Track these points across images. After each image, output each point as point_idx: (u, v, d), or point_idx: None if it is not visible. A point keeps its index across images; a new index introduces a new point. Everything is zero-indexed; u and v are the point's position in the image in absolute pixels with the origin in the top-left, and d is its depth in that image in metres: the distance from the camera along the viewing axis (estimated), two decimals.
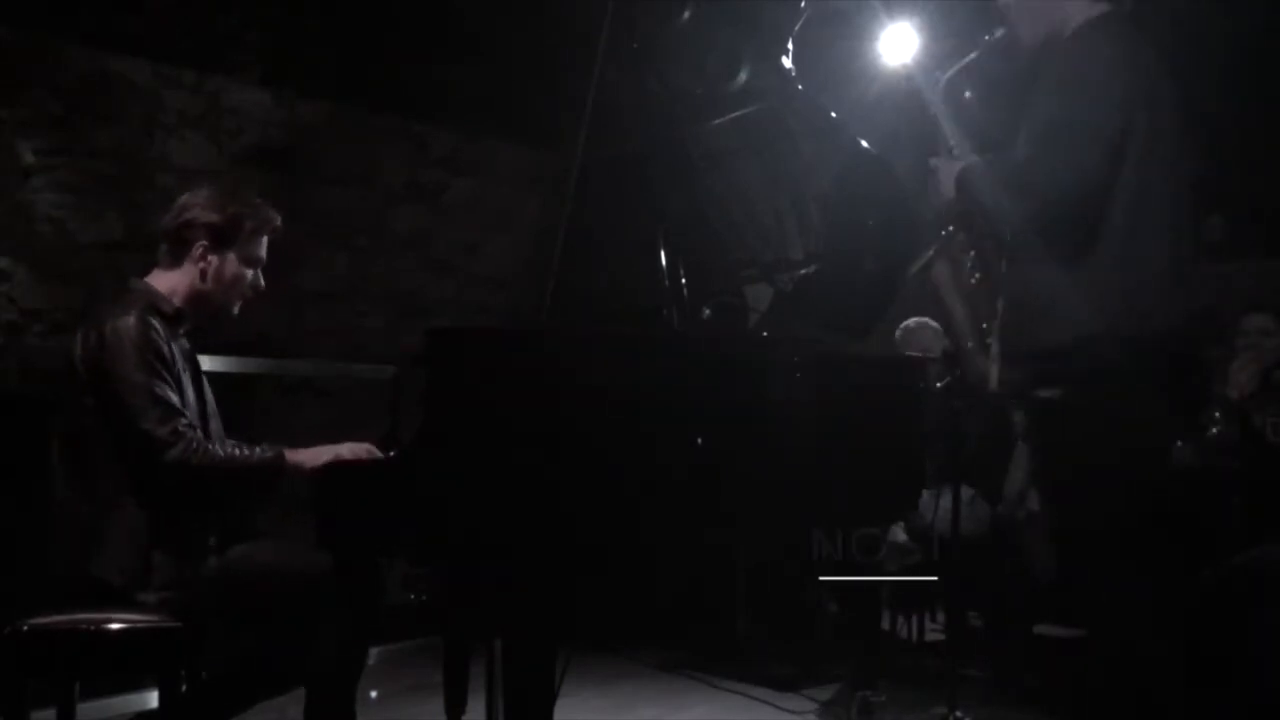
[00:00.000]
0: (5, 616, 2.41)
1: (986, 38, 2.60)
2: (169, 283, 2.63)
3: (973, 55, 2.63)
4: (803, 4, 2.95)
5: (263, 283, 2.72)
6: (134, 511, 2.45)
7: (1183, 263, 2.41)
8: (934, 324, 4.47)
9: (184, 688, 2.53)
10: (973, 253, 2.67)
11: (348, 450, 2.54)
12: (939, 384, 4.22)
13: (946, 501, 3.56)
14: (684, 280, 2.63)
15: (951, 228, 2.69)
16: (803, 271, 2.93)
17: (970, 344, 2.66)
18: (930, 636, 4.54)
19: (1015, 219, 2.39)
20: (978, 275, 2.68)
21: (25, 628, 2.39)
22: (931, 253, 2.69)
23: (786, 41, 2.91)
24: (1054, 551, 4.50)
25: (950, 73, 2.64)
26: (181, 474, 2.42)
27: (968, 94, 2.76)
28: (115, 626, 2.39)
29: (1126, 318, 2.33)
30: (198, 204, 2.63)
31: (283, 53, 4.68)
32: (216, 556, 2.54)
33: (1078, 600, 2.65)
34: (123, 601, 2.43)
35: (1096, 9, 2.46)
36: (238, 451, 2.50)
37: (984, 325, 2.62)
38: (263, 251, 2.70)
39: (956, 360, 3.79)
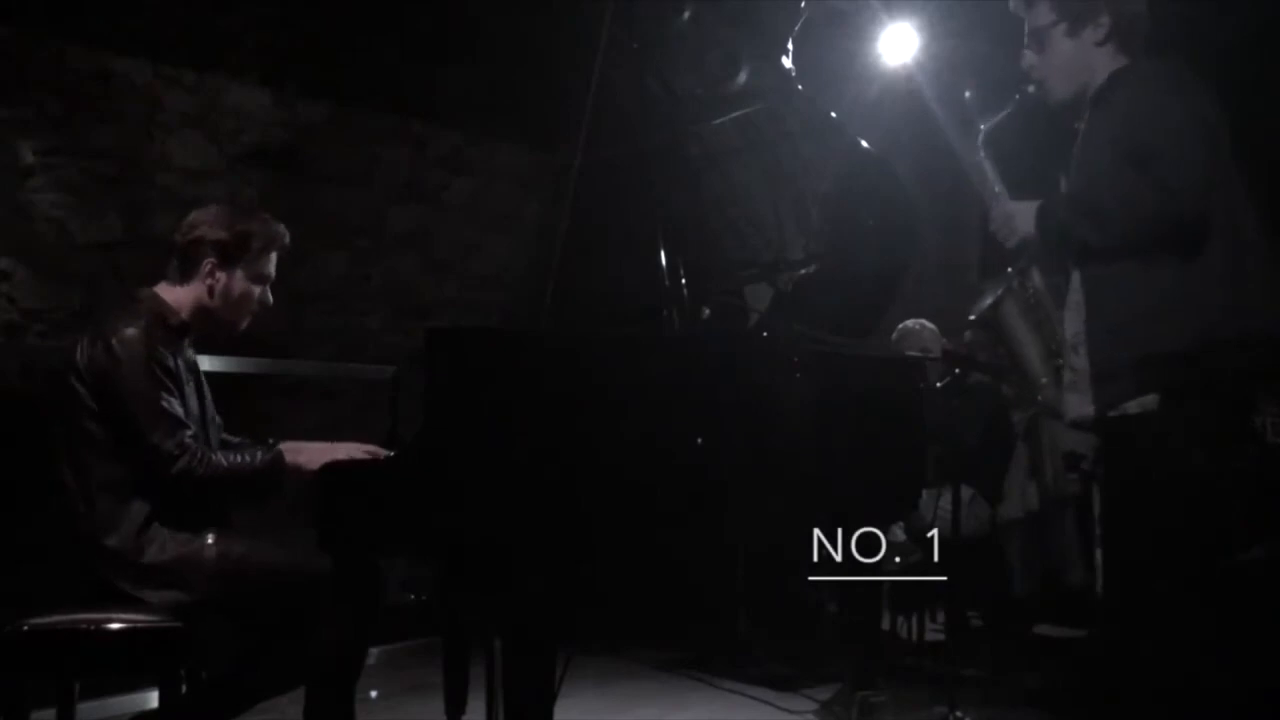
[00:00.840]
0: (5, 616, 2.41)
1: (1017, 96, 2.70)
2: (176, 297, 2.64)
3: (1008, 110, 2.73)
4: (803, 4, 2.95)
5: (271, 299, 2.73)
6: (131, 505, 2.47)
7: (1267, 268, 2.48)
8: (931, 325, 4.47)
9: (184, 688, 2.54)
10: (1034, 289, 2.74)
11: (345, 451, 2.55)
12: (939, 384, 4.22)
13: (946, 501, 3.56)
14: (684, 280, 2.63)
15: (1011, 269, 2.76)
16: (803, 271, 2.94)
17: (1045, 380, 2.72)
18: (930, 636, 4.53)
19: (1110, 243, 2.44)
20: (1044, 311, 2.75)
21: (25, 628, 2.39)
22: (1001, 292, 2.76)
23: (786, 41, 2.91)
24: (1043, 556, 4.55)
25: (990, 126, 2.74)
26: (187, 485, 2.46)
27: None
28: (115, 626, 2.40)
29: (1237, 318, 2.39)
30: (206, 221, 2.64)
31: (283, 53, 4.68)
32: (215, 533, 2.55)
33: (1113, 610, 2.69)
34: (124, 600, 2.43)
35: (1120, 60, 2.56)
36: (240, 459, 2.53)
37: (1058, 361, 2.68)
38: (271, 269, 2.72)
39: (956, 361, 3.80)
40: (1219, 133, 2.46)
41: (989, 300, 2.80)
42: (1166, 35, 2.63)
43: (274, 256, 2.72)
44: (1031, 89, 2.67)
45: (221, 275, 2.64)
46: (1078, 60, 2.59)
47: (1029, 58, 2.65)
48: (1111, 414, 2.49)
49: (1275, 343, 2.43)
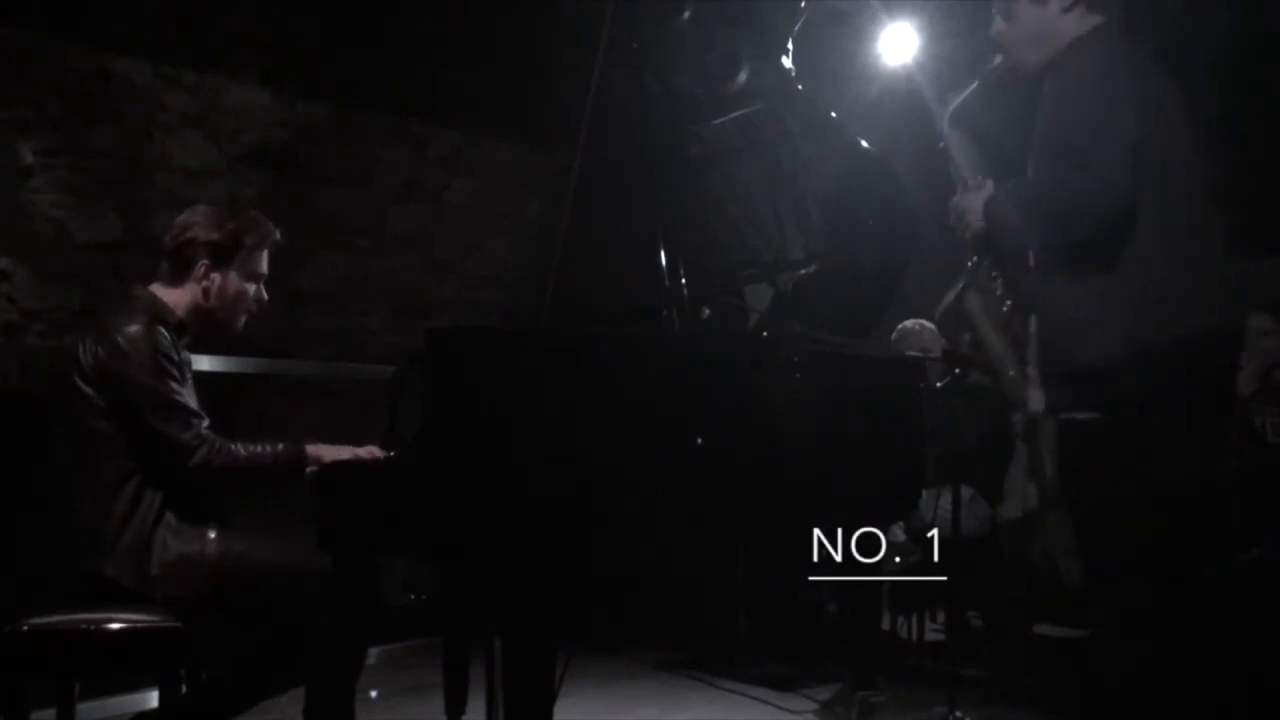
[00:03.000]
0: (5, 616, 2.42)
1: (987, 67, 2.60)
2: (172, 298, 2.66)
3: (974, 85, 2.64)
4: (803, 4, 2.95)
5: (266, 296, 2.75)
6: (135, 503, 2.47)
7: (1209, 267, 2.39)
8: (931, 325, 4.47)
9: (184, 688, 2.54)
10: (1000, 280, 2.67)
11: (367, 453, 2.57)
12: (939, 384, 4.22)
13: (946, 501, 3.56)
14: (684, 280, 2.62)
15: (976, 258, 2.69)
16: (803, 271, 2.93)
17: (1011, 372, 2.68)
18: (930, 636, 4.53)
19: (1043, 240, 2.38)
20: (1008, 303, 2.68)
21: (25, 628, 2.39)
22: (962, 285, 2.71)
23: (786, 41, 2.91)
24: (1043, 557, 4.54)
25: (955, 103, 2.65)
26: (206, 475, 2.49)
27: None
28: (115, 626, 2.40)
29: (1152, 331, 2.31)
30: (197, 223, 2.66)
31: (283, 53, 4.68)
32: (217, 531, 2.55)
33: (1098, 610, 2.65)
34: (125, 600, 2.43)
35: (1089, 23, 2.46)
36: (259, 449, 2.55)
37: (1023, 351, 2.62)
38: (264, 267, 2.74)
39: (956, 361, 3.80)
40: (1160, 116, 2.34)
41: (951, 295, 2.75)
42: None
43: (266, 254, 2.74)
44: (999, 59, 2.58)
45: (216, 276, 2.66)
46: (1045, 28, 2.48)
47: (997, 24, 2.56)
48: (1062, 417, 2.45)
49: (1199, 351, 2.32)
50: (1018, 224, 2.44)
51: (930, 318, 4.51)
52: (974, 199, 2.54)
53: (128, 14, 4.23)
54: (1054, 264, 2.39)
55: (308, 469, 2.54)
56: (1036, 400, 2.51)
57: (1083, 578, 4.40)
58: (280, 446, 2.58)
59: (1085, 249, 2.33)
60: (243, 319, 2.74)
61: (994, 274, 2.69)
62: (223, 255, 2.66)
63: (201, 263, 2.64)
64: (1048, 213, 2.36)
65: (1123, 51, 2.40)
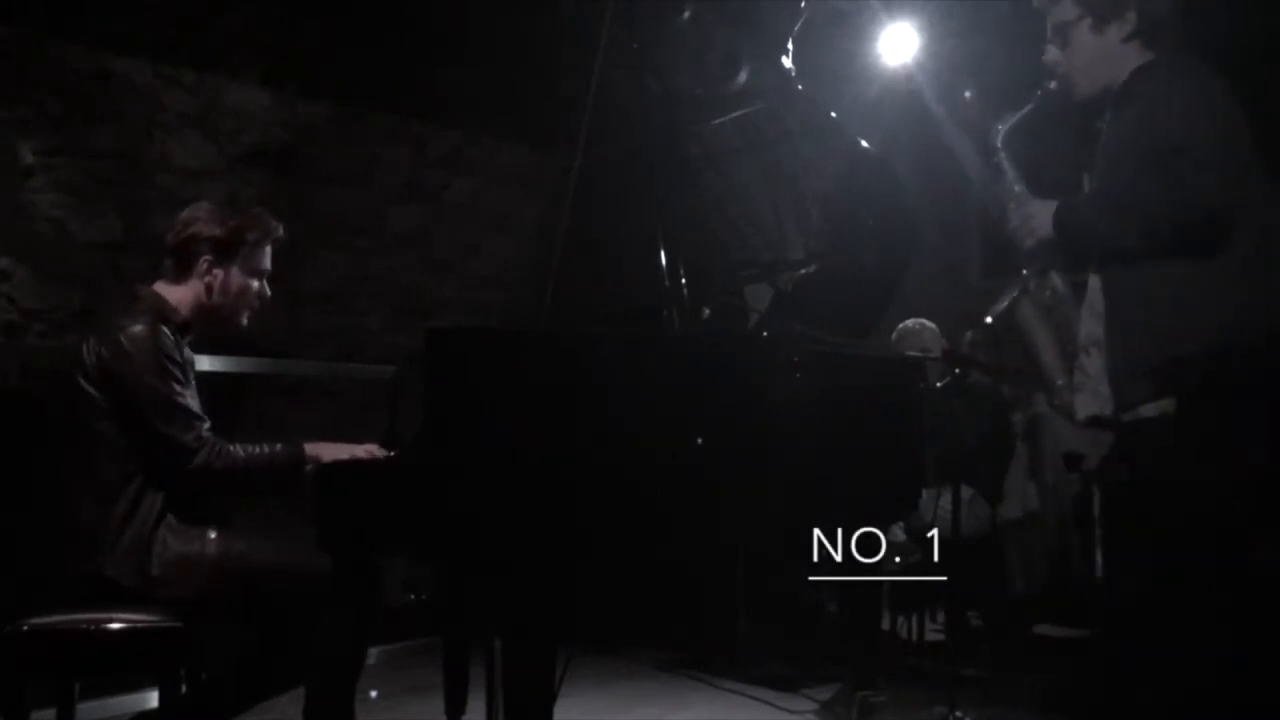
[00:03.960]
0: (5, 616, 2.42)
1: (1039, 93, 2.67)
2: (176, 296, 2.65)
3: (1029, 107, 2.70)
4: (803, 4, 2.95)
5: (269, 292, 2.74)
6: (136, 503, 2.47)
7: None
8: (931, 325, 4.47)
9: (184, 688, 2.54)
10: (1051, 291, 2.73)
11: (366, 452, 2.57)
12: (939, 384, 4.22)
13: (946, 501, 3.56)
14: (684, 280, 2.62)
15: (1027, 270, 2.75)
16: (803, 271, 2.93)
17: (1060, 383, 2.71)
18: (930, 636, 4.53)
19: (1142, 242, 2.42)
20: (1062, 313, 2.73)
21: (25, 628, 2.39)
22: (1016, 294, 2.75)
23: (786, 41, 2.91)
24: (1043, 557, 4.54)
25: (1009, 125, 2.72)
26: (206, 477, 2.48)
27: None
28: (115, 626, 2.40)
29: (1259, 319, 2.36)
30: (199, 219, 2.65)
31: (283, 53, 4.68)
32: (217, 531, 2.55)
33: (1131, 607, 2.67)
34: (125, 600, 2.43)
35: (1144, 58, 2.53)
36: (257, 450, 2.55)
37: (1072, 362, 2.66)
38: (267, 262, 2.73)
39: (956, 361, 3.80)
40: (1240, 128, 2.43)
41: (1004, 302, 2.79)
42: (1191, 31, 2.60)
43: (269, 250, 2.73)
44: (1053, 85, 2.64)
45: (219, 272, 2.65)
46: (1103, 57, 2.55)
47: (1052, 53, 2.61)
48: (1126, 417, 2.47)
49: None
50: (1101, 229, 2.48)
51: (931, 318, 4.52)
52: (1040, 208, 2.58)
53: (128, 14, 4.23)
54: (1145, 257, 2.42)
55: (307, 468, 2.54)
56: (1085, 405, 2.53)
57: (1085, 577, 4.42)
58: (279, 447, 2.58)
59: (1183, 244, 2.37)
60: (246, 315, 2.73)
61: (1046, 286, 2.74)
62: (225, 251, 2.65)
63: (204, 259, 2.63)
64: (1145, 219, 2.40)
65: (1196, 70, 2.49)
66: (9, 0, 3.94)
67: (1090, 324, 2.56)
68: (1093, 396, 2.52)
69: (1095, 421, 2.56)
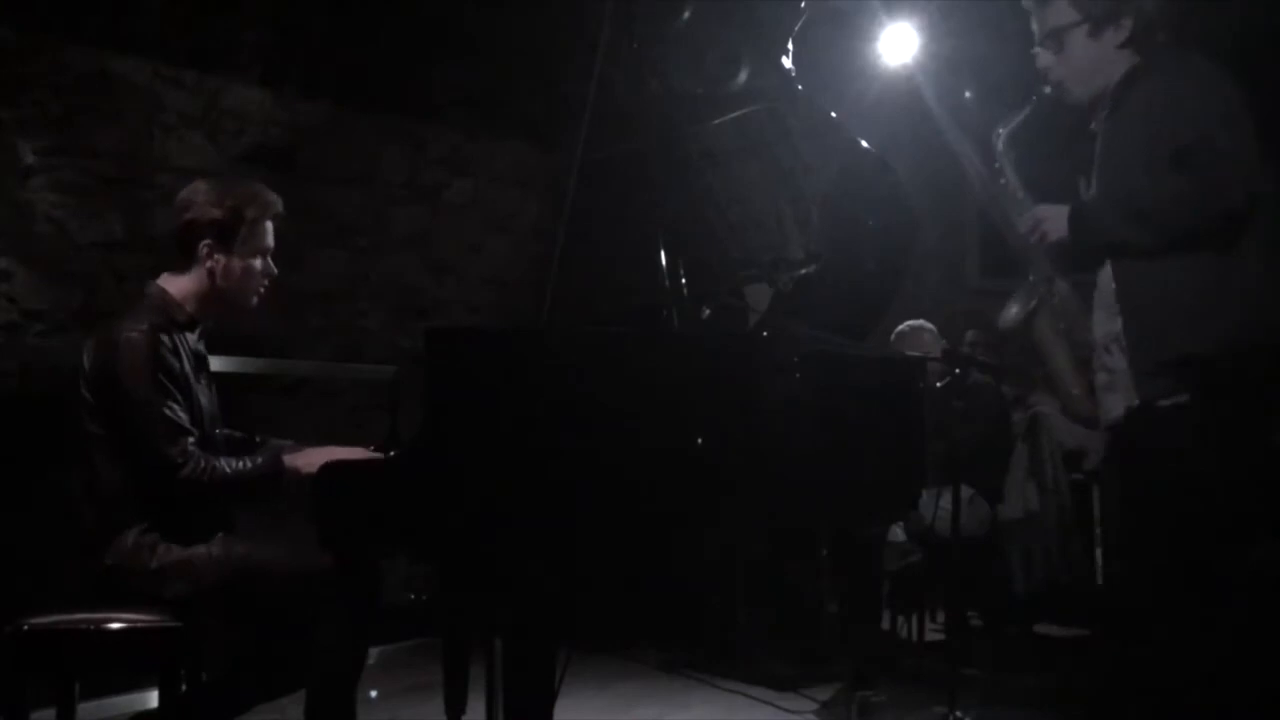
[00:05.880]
0: (5, 616, 2.41)
1: (1034, 97, 2.69)
2: (181, 287, 2.61)
3: (1026, 111, 2.72)
4: (803, 4, 2.95)
5: (275, 269, 2.69)
6: (136, 504, 2.47)
7: None
8: (930, 326, 4.47)
9: (184, 688, 2.54)
10: (1060, 295, 2.73)
11: (345, 453, 2.54)
12: (939, 384, 4.22)
13: (946, 501, 3.57)
14: (684, 280, 2.63)
15: (1033, 277, 2.75)
16: (803, 271, 2.93)
17: (1076, 391, 2.70)
18: (930, 636, 4.54)
19: (1161, 238, 2.42)
20: (1072, 317, 2.73)
21: (25, 628, 2.39)
22: (1034, 305, 2.75)
23: (786, 41, 2.91)
24: (1043, 556, 4.54)
25: (1009, 129, 2.74)
26: (191, 491, 2.45)
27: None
28: (115, 626, 2.40)
29: (1274, 314, 2.38)
30: (195, 201, 2.60)
31: (283, 53, 4.68)
32: (222, 533, 2.55)
33: (1132, 603, 2.66)
34: (125, 600, 2.43)
35: (1136, 59, 2.53)
36: (242, 465, 2.51)
37: (1087, 369, 2.66)
38: (270, 239, 2.67)
39: (956, 361, 3.80)
40: (1246, 121, 2.43)
41: (1016, 310, 2.79)
42: (1190, 30, 2.60)
43: (270, 226, 2.66)
44: (1048, 90, 2.64)
45: (220, 257, 2.59)
46: (1098, 62, 2.55)
47: (1045, 58, 2.60)
48: (1139, 413, 2.47)
49: None
50: (1119, 230, 2.47)
51: (930, 318, 4.52)
52: (1053, 210, 2.57)
53: (128, 14, 4.23)
54: (1162, 254, 2.41)
55: (284, 479, 2.51)
56: (1114, 404, 2.52)
57: (1085, 577, 4.42)
58: (260, 460, 2.54)
59: (1204, 240, 2.38)
60: (254, 297, 2.68)
61: (1055, 291, 2.74)
62: (225, 233, 2.58)
63: (204, 244, 2.58)
64: (1167, 218, 2.40)
65: (1198, 66, 2.48)
66: (9, 0, 3.94)
67: (1106, 322, 2.54)
68: (1124, 395, 2.50)
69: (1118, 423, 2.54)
